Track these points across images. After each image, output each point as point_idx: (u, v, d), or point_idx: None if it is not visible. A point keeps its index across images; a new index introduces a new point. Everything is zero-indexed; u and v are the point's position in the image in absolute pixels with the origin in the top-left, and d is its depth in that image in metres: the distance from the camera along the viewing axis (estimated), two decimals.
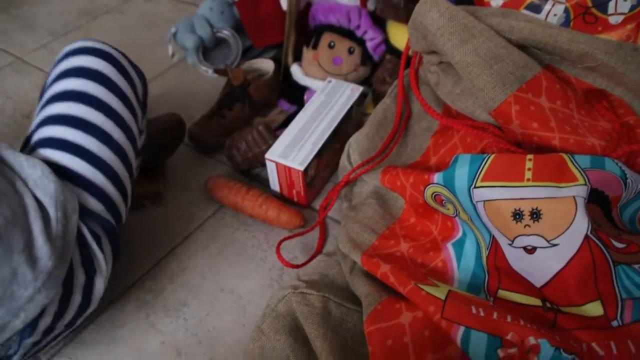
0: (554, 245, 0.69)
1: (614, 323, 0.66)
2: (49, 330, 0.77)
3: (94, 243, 0.80)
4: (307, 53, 1.24)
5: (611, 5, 0.94)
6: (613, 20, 0.94)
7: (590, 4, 0.95)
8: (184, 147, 1.22)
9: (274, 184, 1.05)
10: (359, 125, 1.13)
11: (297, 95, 1.25)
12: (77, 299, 0.79)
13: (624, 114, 0.84)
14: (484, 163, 0.75)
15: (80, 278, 0.79)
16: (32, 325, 0.73)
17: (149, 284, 0.96)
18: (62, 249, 0.74)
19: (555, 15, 0.98)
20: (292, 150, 0.99)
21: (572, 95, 0.83)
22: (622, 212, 0.77)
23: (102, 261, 0.81)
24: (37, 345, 0.78)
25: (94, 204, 0.82)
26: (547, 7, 0.98)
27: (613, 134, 0.81)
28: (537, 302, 0.72)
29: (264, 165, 1.04)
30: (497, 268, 0.76)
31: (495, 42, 0.82)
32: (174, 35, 1.42)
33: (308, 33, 1.26)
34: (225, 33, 1.41)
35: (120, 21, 1.75)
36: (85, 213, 0.80)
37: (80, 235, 0.79)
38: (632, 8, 0.92)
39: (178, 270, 0.98)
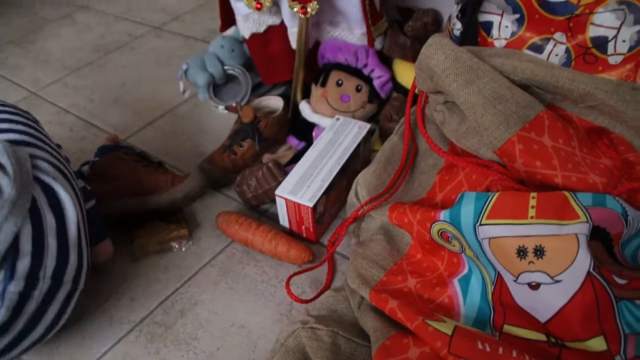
0: (558, 281, 0.71)
1: (617, 358, 0.68)
2: (31, 277, 0.79)
3: (53, 181, 0.84)
4: (316, 90, 1.27)
5: (610, 45, 0.96)
6: (612, 60, 0.97)
7: (590, 44, 0.98)
8: None
9: (284, 220, 1.07)
10: (366, 161, 1.15)
11: (305, 132, 1.27)
12: (51, 242, 0.81)
13: (625, 151, 0.86)
14: (489, 201, 0.77)
15: (49, 219, 0.82)
16: (10, 267, 0.76)
17: (160, 317, 0.97)
18: (22, 179, 0.78)
19: (556, 55, 1.01)
20: (301, 187, 1.02)
21: (574, 134, 0.85)
22: (623, 249, 0.79)
23: (68, 201, 0.84)
24: (26, 303, 0.79)
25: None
26: (549, 47, 1.01)
27: (614, 171, 0.83)
28: (542, 337, 0.73)
29: (273, 201, 1.06)
30: (502, 304, 0.77)
31: (499, 83, 0.84)
32: (185, 72, 1.46)
33: (316, 71, 1.30)
34: (236, 70, 1.44)
35: (132, 57, 1.80)
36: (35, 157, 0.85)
37: (38, 180, 0.83)
38: (631, 49, 0.95)
39: (189, 304, 0.99)
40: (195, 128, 1.43)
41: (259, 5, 1.19)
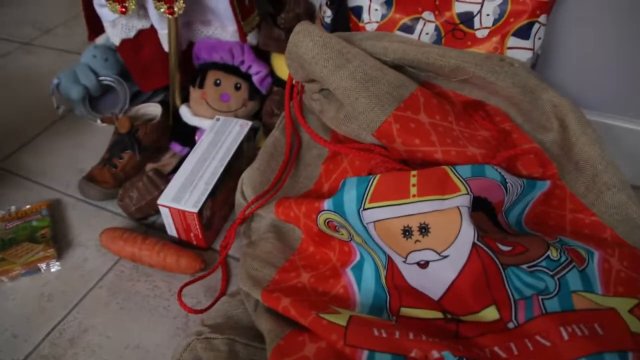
0: (445, 257, 0.71)
1: (510, 325, 0.68)
2: None
3: None
4: (194, 92, 1.22)
5: (477, 20, 0.97)
6: (480, 34, 0.98)
7: (457, 20, 0.99)
8: (76, 201, 1.17)
9: (171, 230, 1.02)
10: (251, 160, 1.12)
11: (188, 137, 1.23)
12: None
13: (500, 122, 0.87)
14: (370, 184, 0.76)
15: None
16: None
17: (47, 351, 0.90)
18: None
19: (427, 33, 1.01)
20: (184, 193, 0.97)
21: (450, 109, 0.86)
22: (507, 216, 0.80)
23: None
24: None
25: None
26: (419, 26, 1.01)
27: (492, 142, 0.84)
28: (438, 314, 0.72)
29: (158, 211, 1.02)
30: (396, 287, 0.76)
31: (370, 65, 0.83)
32: (57, 86, 1.38)
33: (193, 72, 1.25)
34: (111, 80, 1.38)
35: (1, 77, 1.69)
36: None
37: None
38: (495, 22, 0.96)
39: (79, 331, 0.93)
40: (74, 144, 1.35)
41: (123, 9, 1.13)
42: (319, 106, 0.94)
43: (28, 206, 1.15)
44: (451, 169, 0.75)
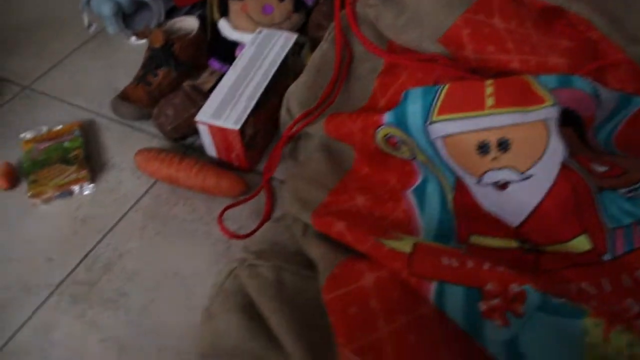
0: (528, 177, 0.61)
1: (605, 257, 0.59)
2: None
3: None
4: (234, 5, 1.12)
5: None
6: None
7: None
8: (109, 122, 1.10)
9: (210, 150, 0.95)
10: (298, 77, 1.03)
11: (228, 53, 1.14)
12: None
13: (585, 30, 0.77)
14: (438, 94, 0.67)
15: None
16: None
17: (82, 276, 0.85)
18: None
19: None
20: (224, 109, 0.89)
21: (527, 14, 0.75)
22: (596, 133, 0.70)
23: None
24: None
25: None
26: None
27: (576, 51, 0.73)
28: (514, 243, 0.64)
29: (197, 130, 0.94)
30: (465, 212, 0.67)
31: None
32: (88, 2, 1.29)
33: None
34: None
35: None
36: None
37: None
38: None
39: (114, 257, 0.87)
40: (107, 63, 1.28)
41: None
42: (374, 12, 0.84)
43: (60, 127, 1.08)
44: (533, 78, 0.64)
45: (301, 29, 1.15)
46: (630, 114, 0.71)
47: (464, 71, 0.72)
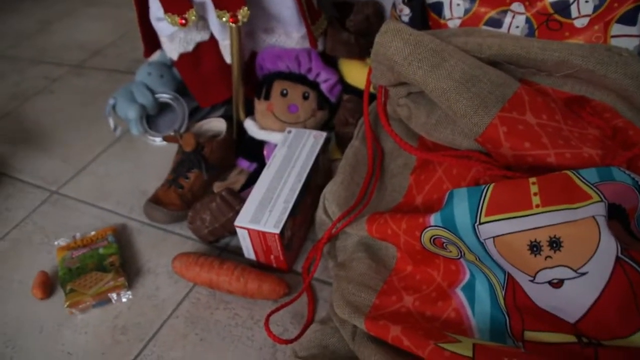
0: (583, 274, 0.61)
1: None
2: None
3: None
4: (260, 105, 1.15)
5: (574, 8, 0.89)
6: (579, 23, 0.89)
7: (551, 10, 0.90)
8: (141, 225, 1.11)
9: (249, 253, 0.95)
10: (327, 174, 1.05)
11: (255, 152, 1.16)
12: None
13: (611, 118, 0.78)
14: (483, 195, 0.68)
15: None
16: None
17: None
18: None
19: (517, 27, 0.92)
20: (262, 213, 0.90)
21: (555, 107, 0.77)
22: (638, 223, 0.70)
23: None
24: None
25: None
26: (508, 20, 0.93)
27: (606, 141, 0.75)
28: (571, 338, 0.63)
29: (233, 233, 0.95)
30: (518, 308, 0.67)
31: (469, 63, 0.75)
32: (114, 107, 1.33)
33: (257, 84, 1.19)
34: (168, 97, 1.32)
35: (53, 101, 1.65)
36: None
37: None
38: (596, 8, 0.88)
39: None
40: (134, 166, 1.30)
41: (183, 21, 1.07)
42: (406, 112, 0.86)
43: (93, 232, 1.09)
44: (574, 174, 0.66)
45: (324, 125, 1.18)
46: None
47: (499, 168, 0.74)
